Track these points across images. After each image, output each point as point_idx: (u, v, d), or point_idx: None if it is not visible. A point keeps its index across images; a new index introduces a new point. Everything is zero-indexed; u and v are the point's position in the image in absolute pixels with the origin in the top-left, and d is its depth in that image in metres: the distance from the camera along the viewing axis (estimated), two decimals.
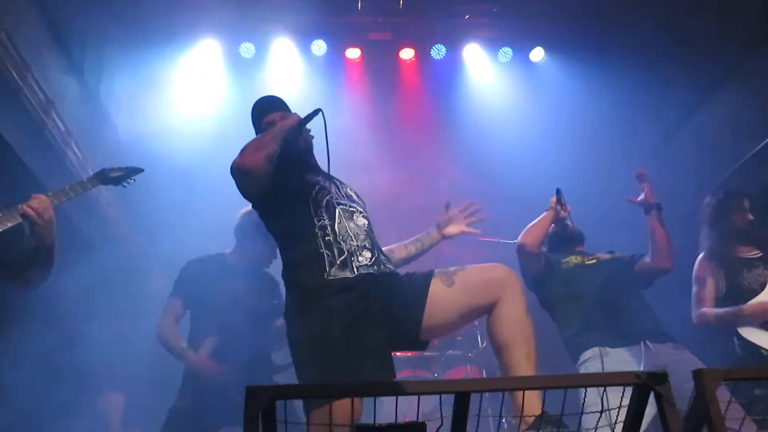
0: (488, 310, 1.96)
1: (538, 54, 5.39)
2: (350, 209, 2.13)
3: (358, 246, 2.02)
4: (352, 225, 2.07)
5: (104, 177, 2.67)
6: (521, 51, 5.42)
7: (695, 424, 1.37)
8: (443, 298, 1.97)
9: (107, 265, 3.88)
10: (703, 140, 4.59)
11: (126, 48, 4.53)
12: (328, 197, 2.12)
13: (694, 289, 3.14)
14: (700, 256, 3.22)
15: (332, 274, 1.94)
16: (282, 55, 5.21)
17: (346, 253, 1.99)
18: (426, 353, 4.56)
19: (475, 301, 1.96)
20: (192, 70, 5.08)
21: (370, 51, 5.35)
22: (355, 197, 2.25)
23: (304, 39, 5.20)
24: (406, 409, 1.81)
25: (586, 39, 5.08)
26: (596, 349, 2.83)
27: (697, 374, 1.34)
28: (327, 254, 1.98)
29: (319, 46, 5.24)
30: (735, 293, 3.00)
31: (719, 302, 3.06)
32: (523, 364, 1.85)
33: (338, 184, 2.26)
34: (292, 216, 2.10)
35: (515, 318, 1.91)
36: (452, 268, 2.04)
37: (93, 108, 4.48)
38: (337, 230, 2.03)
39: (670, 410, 1.33)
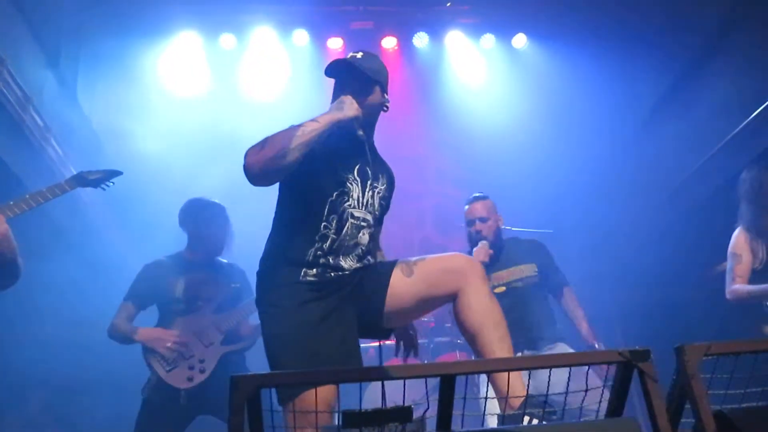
0: (450, 298, 1.98)
1: (520, 40, 5.39)
2: (361, 224, 2.05)
3: (344, 269, 2.00)
4: (353, 243, 2.02)
5: (82, 179, 2.66)
6: (504, 37, 5.42)
7: (678, 400, 1.38)
8: (403, 287, 1.99)
9: (88, 263, 3.86)
10: (687, 118, 4.62)
11: (103, 41, 4.47)
12: (347, 204, 2.03)
13: (730, 264, 3.23)
14: (737, 230, 3.29)
15: (306, 278, 1.96)
16: (263, 46, 5.16)
17: (329, 269, 1.98)
18: None
19: (434, 290, 1.98)
20: (171, 63, 5.03)
21: (353, 40, 5.32)
22: (375, 204, 2.12)
23: (286, 29, 5.16)
24: (395, 396, 1.82)
25: (567, 25, 5.09)
26: None
27: (679, 350, 1.35)
28: (307, 269, 1.97)
29: (301, 37, 5.21)
30: None
31: (757, 273, 3.15)
32: (497, 349, 1.85)
33: (368, 183, 2.11)
34: (304, 208, 2.03)
35: (480, 305, 1.92)
36: (414, 258, 2.05)
37: (71, 103, 4.42)
38: (335, 247, 1.99)
39: (653, 387, 1.34)
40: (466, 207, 3.54)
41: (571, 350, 3.17)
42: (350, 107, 2.01)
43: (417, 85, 5.60)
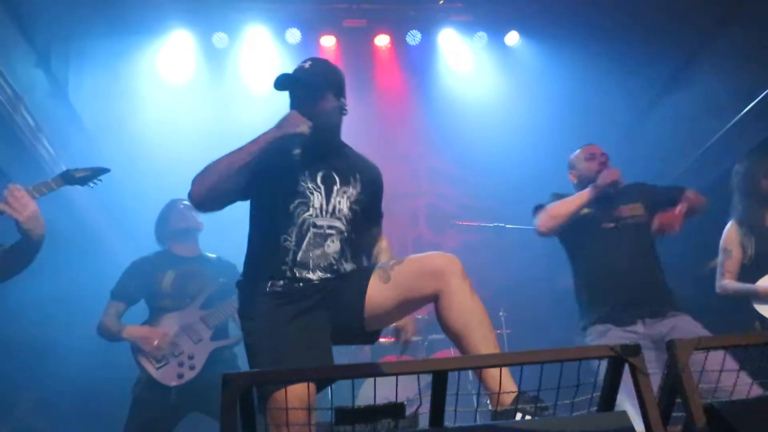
0: (430, 299, 1.94)
1: (513, 38, 5.40)
2: (326, 232, 2.01)
3: (313, 281, 1.98)
4: (318, 253, 1.99)
5: (69, 177, 2.64)
6: (496, 35, 5.43)
7: (669, 394, 1.39)
8: (380, 294, 1.96)
9: (81, 262, 3.84)
10: (679, 116, 4.65)
11: (94, 41, 4.45)
12: (305, 215, 2.00)
13: (720, 258, 3.24)
14: (729, 224, 3.28)
15: (273, 288, 1.98)
16: (256, 45, 5.15)
17: (295, 281, 1.98)
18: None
19: (413, 294, 1.94)
20: (164, 62, 5.01)
21: (345, 38, 5.32)
22: (345, 208, 2.07)
23: (278, 27, 5.15)
24: (389, 393, 1.82)
25: (559, 22, 5.10)
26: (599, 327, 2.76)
27: (670, 344, 1.36)
28: (274, 279, 1.98)
29: (294, 35, 5.20)
30: (763, 260, 3.11)
31: (746, 269, 3.16)
32: (482, 348, 1.82)
33: (334, 189, 2.06)
34: (266, 222, 2.05)
35: (462, 304, 1.88)
36: (391, 262, 2.02)
37: (63, 102, 4.40)
38: (298, 259, 1.98)
39: (644, 382, 1.34)
40: (582, 148, 3.11)
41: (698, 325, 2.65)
42: (291, 123, 1.98)
43: (410, 83, 5.60)
